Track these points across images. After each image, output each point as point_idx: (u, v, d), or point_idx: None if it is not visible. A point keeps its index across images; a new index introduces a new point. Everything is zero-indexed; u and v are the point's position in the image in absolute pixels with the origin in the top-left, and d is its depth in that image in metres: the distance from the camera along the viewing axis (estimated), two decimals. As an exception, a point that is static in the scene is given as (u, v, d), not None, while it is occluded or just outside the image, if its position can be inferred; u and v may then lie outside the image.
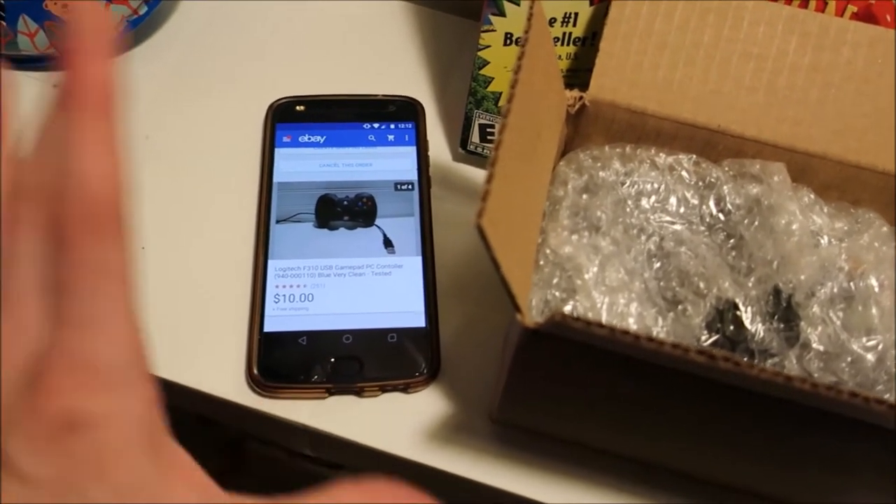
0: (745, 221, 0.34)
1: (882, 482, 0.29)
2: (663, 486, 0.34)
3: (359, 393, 0.36)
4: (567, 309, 0.31)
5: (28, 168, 0.20)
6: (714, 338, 0.31)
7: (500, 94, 0.41)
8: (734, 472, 0.32)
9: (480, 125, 0.43)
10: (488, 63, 0.40)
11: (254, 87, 0.46)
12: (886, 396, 0.30)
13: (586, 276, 0.31)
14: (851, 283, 0.32)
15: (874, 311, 0.31)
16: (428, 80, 0.47)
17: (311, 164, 0.43)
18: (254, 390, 0.36)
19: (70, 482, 0.18)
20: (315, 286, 0.38)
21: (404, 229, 0.40)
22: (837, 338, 0.31)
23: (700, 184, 0.35)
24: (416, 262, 0.39)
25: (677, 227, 0.34)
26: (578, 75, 0.40)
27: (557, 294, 0.32)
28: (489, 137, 0.43)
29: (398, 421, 0.36)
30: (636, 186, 0.34)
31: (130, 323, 0.20)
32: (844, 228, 0.34)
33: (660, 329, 0.31)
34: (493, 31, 0.39)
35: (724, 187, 0.34)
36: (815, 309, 0.31)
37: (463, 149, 0.44)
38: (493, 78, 0.41)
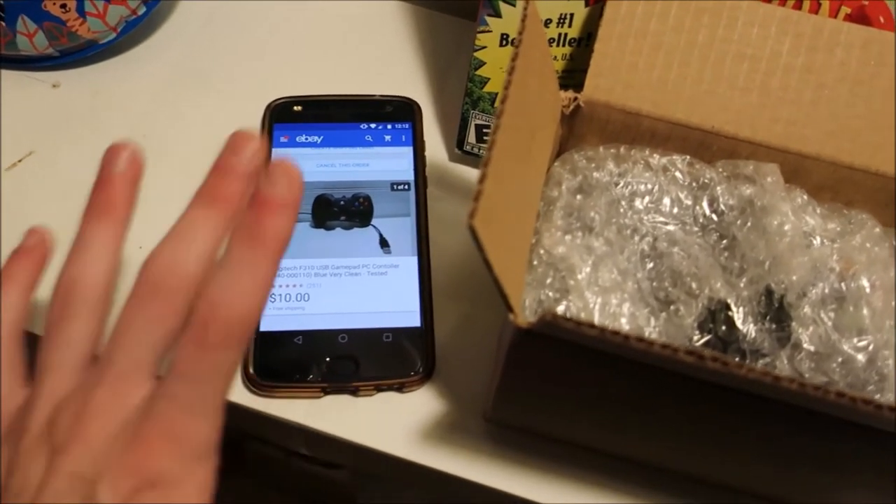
0: (738, 222, 0.34)
1: (873, 481, 0.29)
2: (656, 485, 0.34)
3: (354, 392, 0.36)
4: (560, 309, 0.31)
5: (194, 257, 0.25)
6: (706, 338, 0.32)
7: (497, 94, 0.41)
8: (726, 472, 0.33)
9: (477, 126, 0.43)
10: (484, 64, 0.40)
11: (251, 87, 0.46)
12: (877, 397, 0.30)
13: (579, 277, 0.32)
14: (843, 284, 0.32)
15: (865, 311, 0.31)
16: (425, 81, 0.48)
17: (309, 164, 0.43)
18: (250, 389, 0.36)
19: None
20: (311, 286, 0.39)
21: (400, 229, 0.41)
22: (828, 338, 0.31)
23: (694, 184, 0.35)
24: (412, 262, 0.40)
25: (670, 227, 0.34)
26: (574, 76, 0.40)
27: (551, 294, 0.32)
28: (485, 138, 0.43)
29: (393, 420, 0.36)
30: (630, 187, 0.34)
31: (219, 414, 0.24)
32: (837, 229, 0.34)
33: (652, 329, 0.32)
34: (489, 31, 0.39)
35: (718, 188, 0.34)
36: (807, 309, 0.31)
37: (459, 149, 0.44)
38: (489, 78, 0.41)
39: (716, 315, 0.32)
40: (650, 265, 0.33)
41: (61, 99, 0.45)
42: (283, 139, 0.44)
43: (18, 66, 0.46)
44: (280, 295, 0.38)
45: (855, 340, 0.31)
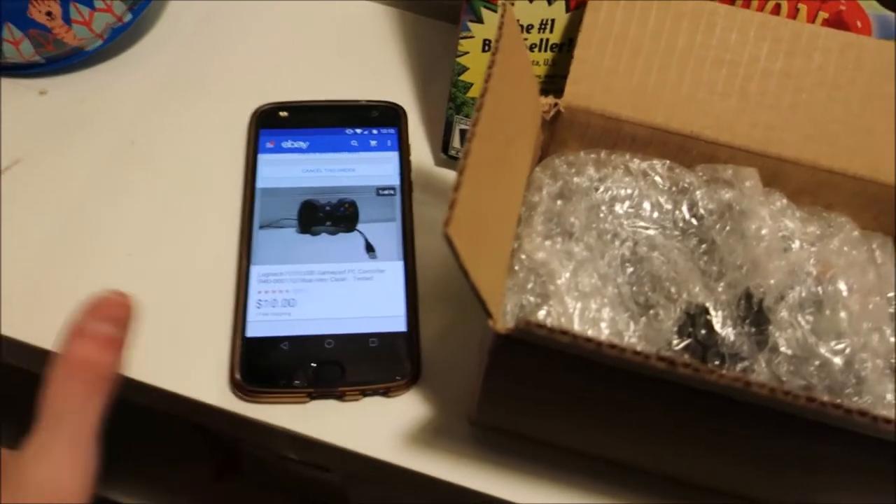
0: (718, 226, 0.34)
1: (850, 482, 0.30)
2: (638, 487, 0.35)
3: (340, 397, 0.36)
4: (541, 314, 0.32)
5: None
6: (685, 342, 0.32)
7: (480, 99, 0.42)
8: (706, 473, 0.33)
9: (461, 130, 0.43)
10: (467, 69, 0.41)
11: (238, 93, 0.46)
12: (855, 399, 0.31)
13: (559, 282, 0.32)
14: (820, 288, 0.32)
15: (842, 314, 0.32)
16: (410, 85, 0.48)
17: (295, 169, 0.43)
18: (236, 395, 0.36)
19: None
20: (297, 291, 0.39)
21: (386, 234, 0.41)
22: (806, 342, 0.31)
23: (673, 189, 0.35)
24: (398, 267, 0.40)
25: (651, 232, 0.34)
26: (556, 81, 0.40)
27: (532, 299, 0.32)
28: (464, 145, 0.43)
29: (379, 425, 0.36)
30: (610, 192, 0.35)
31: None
32: (816, 233, 0.35)
33: (632, 334, 0.32)
34: (471, 37, 0.39)
35: (697, 192, 0.35)
36: (784, 313, 0.32)
37: (445, 153, 0.44)
38: (472, 84, 0.41)
39: (695, 319, 0.32)
40: (630, 270, 0.33)
41: (49, 106, 0.46)
42: (269, 145, 0.44)
43: (5, 73, 0.46)
44: (266, 301, 0.38)
45: (832, 344, 0.31)
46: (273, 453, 0.62)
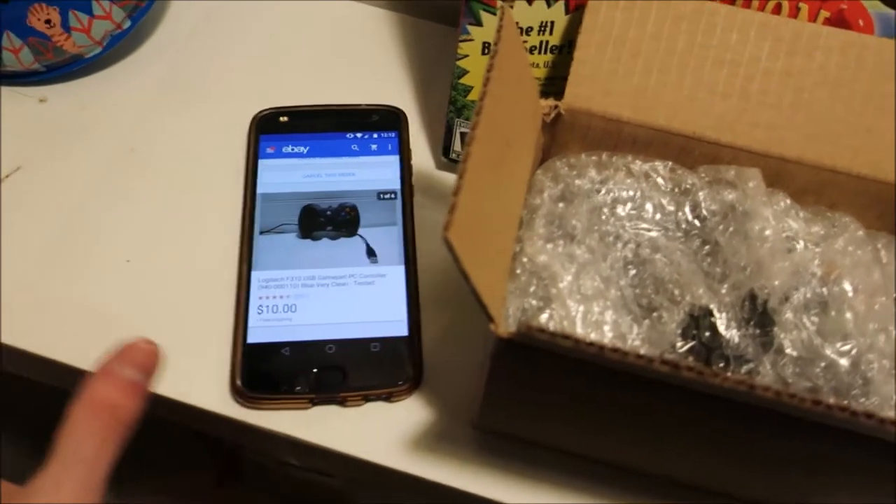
0: (721, 227, 0.34)
1: (858, 484, 0.29)
2: (642, 490, 0.34)
3: (342, 403, 0.36)
4: (543, 318, 0.31)
5: None
6: (689, 344, 0.32)
7: (480, 102, 0.41)
8: (710, 476, 0.33)
9: (462, 133, 0.43)
10: (467, 72, 0.41)
11: (237, 98, 0.46)
12: (861, 401, 0.31)
13: (561, 285, 0.32)
14: (825, 289, 0.32)
15: (848, 315, 0.31)
16: (411, 89, 0.48)
17: (295, 174, 0.43)
18: (237, 401, 0.36)
19: None
20: (298, 297, 0.39)
21: (387, 238, 0.41)
22: (811, 343, 0.31)
23: (676, 190, 0.35)
24: (399, 272, 0.40)
25: (653, 234, 0.34)
26: (556, 83, 0.40)
27: (534, 302, 0.32)
28: (463, 149, 0.43)
29: (381, 430, 0.36)
30: (612, 194, 0.34)
31: None
32: (820, 233, 0.34)
33: (635, 337, 0.32)
34: (470, 40, 0.39)
35: (700, 193, 0.34)
36: (789, 314, 0.31)
37: (445, 157, 0.44)
38: (472, 87, 0.41)
39: (699, 321, 0.32)
40: (633, 272, 0.33)
41: (48, 114, 0.46)
42: (269, 150, 0.44)
43: (5, 81, 0.46)
44: (267, 306, 0.38)
45: (838, 345, 0.31)
46: (274, 459, 0.62)
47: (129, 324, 0.38)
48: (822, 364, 0.31)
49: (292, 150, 0.44)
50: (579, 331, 0.31)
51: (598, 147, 0.37)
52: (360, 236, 0.41)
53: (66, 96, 0.46)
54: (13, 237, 0.41)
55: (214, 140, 0.45)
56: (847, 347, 0.31)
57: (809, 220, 0.35)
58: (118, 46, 0.46)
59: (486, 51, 0.40)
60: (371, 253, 0.40)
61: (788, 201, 0.35)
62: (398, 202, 0.42)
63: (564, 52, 0.39)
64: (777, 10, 0.36)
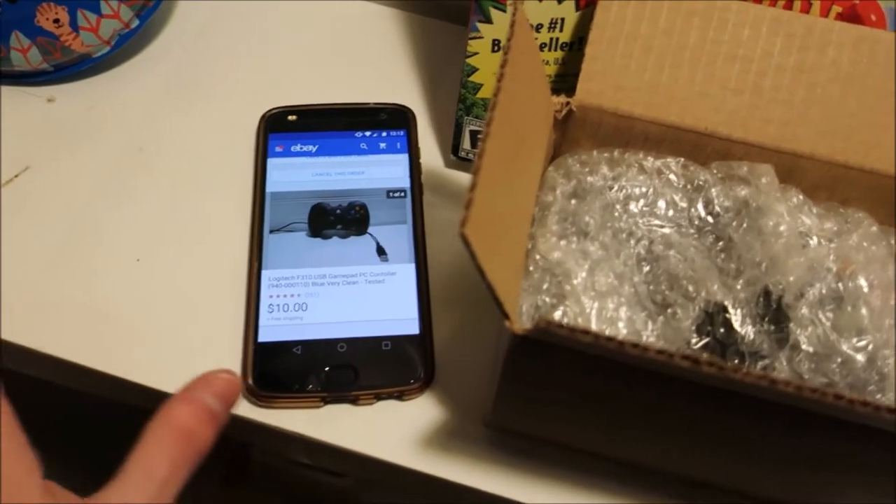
0: (734, 224, 0.34)
1: (875, 481, 0.29)
2: (657, 488, 0.34)
3: (354, 401, 0.36)
4: (557, 314, 0.31)
5: None
6: (704, 341, 0.31)
7: (490, 100, 0.41)
8: (728, 474, 0.33)
9: (471, 132, 0.43)
10: (477, 70, 0.40)
11: (245, 97, 0.46)
12: (878, 396, 0.30)
13: (575, 282, 0.31)
14: (840, 284, 0.32)
15: (864, 311, 0.31)
16: (419, 88, 0.48)
17: (304, 173, 0.43)
18: (249, 400, 0.36)
19: None
20: (309, 295, 0.39)
21: (397, 237, 0.41)
22: (827, 339, 0.31)
23: (688, 187, 0.35)
24: (410, 270, 0.40)
25: (666, 230, 0.34)
26: (567, 80, 0.40)
27: (547, 300, 0.32)
28: (478, 145, 0.43)
29: (393, 428, 0.36)
30: (624, 191, 0.34)
31: None
32: (834, 228, 0.34)
33: (649, 333, 0.31)
34: (480, 38, 0.39)
35: (713, 190, 0.34)
36: (805, 310, 0.31)
37: (454, 155, 0.44)
38: (482, 84, 0.41)
39: (713, 317, 0.32)
40: (646, 269, 0.33)
41: (57, 113, 0.46)
42: (277, 149, 0.44)
43: (13, 81, 0.46)
44: (278, 305, 0.38)
45: (854, 340, 0.31)
46: (283, 459, 0.62)
47: (139, 323, 0.38)
48: (838, 360, 0.31)
49: (301, 148, 0.44)
50: (594, 328, 0.31)
51: (610, 144, 0.36)
52: (370, 235, 0.41)
53: (74, 96, 0.46)
54: (22, 236, 0.41)
55: (223, 139, 0.45)
56: (863, 343, 0.31)
57: (822, 215, 0.35)
58: (126, 46, 0.46)
59: (496, 48, 0.39)
60: (381, 251, 0.40)
61: (801, 197, 0.35)
62: (407, 200, 0.42)
63: (575, 48, 0.39)
64: (789, 5, 0.36)
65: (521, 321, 0.32)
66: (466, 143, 0.43)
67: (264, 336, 0.37)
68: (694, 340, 0.31)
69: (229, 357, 0.37)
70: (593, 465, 0.35)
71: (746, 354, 0.31)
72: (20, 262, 0.40)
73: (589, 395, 0.30)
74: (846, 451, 0.28)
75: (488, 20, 0.39)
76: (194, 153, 0.45)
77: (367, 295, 0.39)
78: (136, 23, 0.45)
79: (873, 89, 0.35)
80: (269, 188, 0.42)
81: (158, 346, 0.38)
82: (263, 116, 0.45)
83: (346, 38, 0.50)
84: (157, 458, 0.27)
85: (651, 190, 0.35)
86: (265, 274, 0.39)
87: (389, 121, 0.45)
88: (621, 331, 0.32)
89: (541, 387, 0.31)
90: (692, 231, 0.34)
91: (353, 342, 0.37)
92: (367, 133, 0.44)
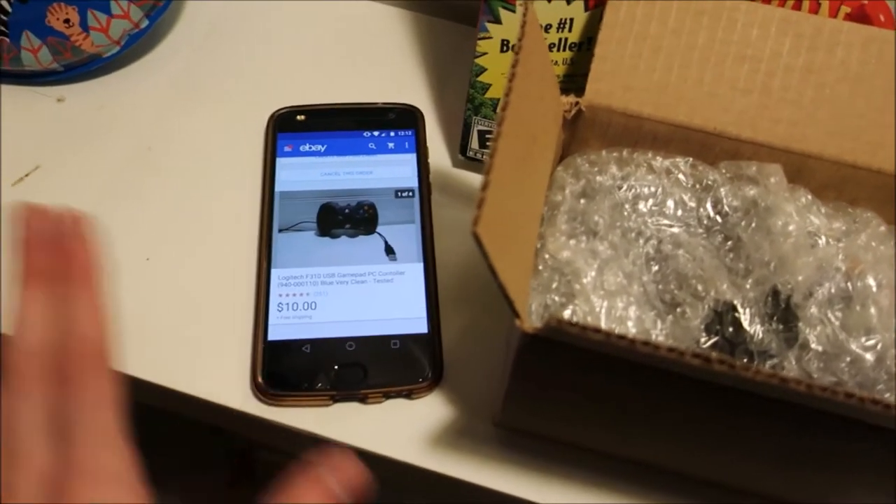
0: (743, 223, 0.34)
1: (882, 481, 0.29)
2: (666, 487, 0.34)
3: (363, 400, 0.36)
4: (566, 313, 0.31)
5: (35, 331, 0.26)
6: (713, 340, 0.32)
7: (498, 100, 0.42)
8: (735, 473, 0.33)
9: (479, 131, 0.43)
10: (485, 70, 0.41)
11: (255, 97, 0.46)
12: (887, 396, 0.30)
13: (584, 281, 0.32)
14: (849, 284, 0.32)
15: (872, 310, 0.31)
16: (427, 87, 0.48)
17: (313, 172, 0.43)
18: (258, 398, 0.36)
19: None
20: (318, 294, 0.39)
21: (405, 236, 0.41)
22: (836, 338, 0.31)
23: (697, 186, 0.35)
24: (418, 269, 0.40)
25: (675, 229, 0.34)
26: (576, 80, 0.40)
27: (557, 299, 0.32)
28: (488, 143, 0.43)
29: (402, 427, 0.36)
30: (633, 190, 0.35)
31: (121, 438, 0.26)
32: (842, 228, 0.34)
33: (658, 332, 0.32)
34: (489, 38, 0.39)
35: (721, 189, 0.34)
36: (814, 309, 0.31)
37: (463, 155, 0.44)
38: (490, 84, 0.41)
39: (722, 317, 0.32)
40: (655, 268, 0.33)
41: (66, 113, 0.46)
42: (286, 148, 0.44)
43: (23, 81, 0.46)
44: (287, 304, 0.38)
45: (863, 340, 0.31)
46: (293, 458, 0.62)
47: (149, 321, 0.38)
48: (847, 359, 0.31)
49: (310, 148, 0.44)
50: (603, 326, 0.31)
51: (619, 144, 0.37)
52: (379, 234, 0.41)
53: (84, 95, 0.46)
54: (33, 236, 0.41)
55: (231, 139, 0.45)
56: (872, 342, 0.31)
57: (831, 215, 0.35)
58: (135, 46, 0.47)
59: (505, 49, 0.40)
60: (390, 250, 0.40)
61: (810, 197, 0.35)
62: (416, 200, 0.42)
63: (584, 49, 0.39)
64: (798, 5, 0.36)
65: (531, 320, 0.32)
66: (475, 143, 0.43)
67: (273, 335, 0.37)
68: (703, 339, 0.32)
69: (238, 355, 0.37)
70: (602, 465, 0.35)
71: (755, 353, 0.31)
72: (31, 261, 0.40)
73: (598, 394, 0.30)
74: (853, 450, 0.28)
75: (497, 20, 0.39)
76: (203, 153, 0.45)
77: (376, 294, 0.39)
78: (145, 23, 0.46)
79: (882, 90, 0.35)
80: (278, 187, 0.42)
81: (168, 345, 0.38)
82: (272, 116, 0.45)
83: (354, 39, 0.50)
84: None
85: (660, 189, 0.35)
86: (274, 273, 0.39)
87: (398, 121, 0.45)
88: (630, 330, 0.32)
89: (550, 386, 0.31)
90: (701, 230, 0.34)
91: (361, 341, 0.37)
92: (376, 133, 0.44)
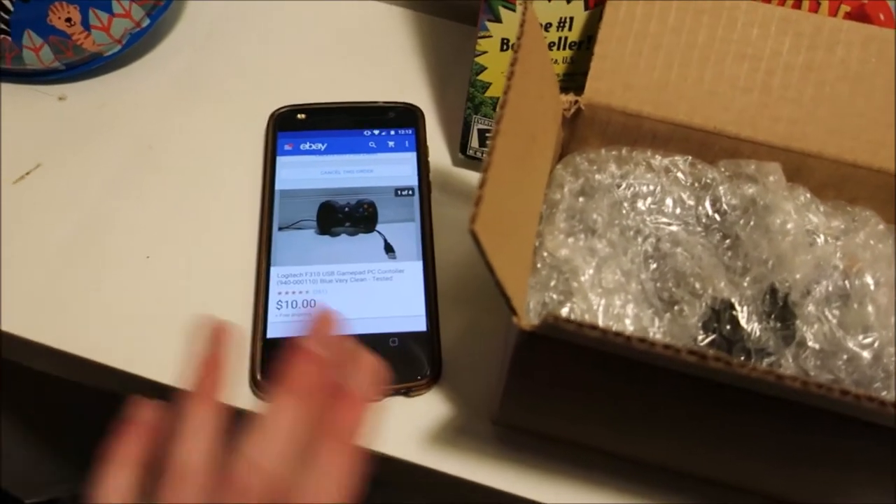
0: (741, 221, 0.34)
1: (880, 479, 0.29)
2: (663, 485, 0.34)
3: (361, 397, 0.36)
4: (564, 311, 0.31)
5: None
6: (711, 337, 0.32)
7: (498, 99, 0.42)
8: (733, 471, 0.33)
9: (479, 130, 0.43)
10: (485, 69, 0.41)
11: (255, 96, 0.46)
12: (883, 394, 0.30)
13: (582, 279, 0.32)
14: (847, 282, 0.32)
15: (870, 308, 0.31)
16: (427, 86, 0.48)
17: (313, 171, 0.43)
18: (257, 395, 0.36)
19: None
20: (317, 292, 0.39)
21: (405, 234, 0.41)
22: (833, 336, 0.31)
23: (696, 185, 0.35)
24: (417, 267, 0.40)
25: (673, 228, 0.34)
26: (575, 79, 0.40)
27: (555, 296, 0.32)
28: (488, 142, 0.43)
29: (401, 424, 0.36)
30: (632, 189, 0.35)
31: None
32: (841, 227, 0.34)
33: (656, 330, 0.32)
34: (489, 37, 0.39)
35: (720, 188, 0.34)
36: (811, 307, 0.31)
37: (462, 154, 0.44)
38: (490, 83, 0.41)
39: (720, 315, 0.32)
40: (653, 266, 0.33)
41: (67, 112, 0.46)
42: (287, 147, 0.44)
43: (25, 79, 0.46)
44: (286, 302, 0.38)
45: (860, 338, 0.31)
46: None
47: (148, 319, 0.39)
48: (845, 357, 0.31)
49: (310, 146, 0.44)
50: (601, 324, 0.31)
51: (618, 142, 0.37)
52: (378, 232, 0.41)
53: (86, 94, 0.47)
54: (33, 233, 0.41)
55: (232, 137, 0.45)
56: (869, 340, 0.31)
57: (830, 214, 0.35)
58: (137, 45, 0.47)
59: (505, 47, 0.40)
60: (389, 249, 0.40)
61: (809, 195, 0.35)
62: (416, 198, 0.42)
63: (583, 48, 0.39)
64: (798, 4, 0.36)
65: (529, 318, 0.32)
66: (475, 142, 0.43)
67: (272, 332, 0.38)
68: (700, 337, 0.32)
69: (237, 352, 0.37)
70: (600, 462, 0.35)
71: (753, 351, 0.31)
72: (31, 258, 0.40)
73: (595, 391, 0.30)
74: (850, 448, 0.28)
75: (498, 19, 0.39)
76: (204, 151, 0.45)
77: (375, 292, 0.39)
78: (146, 22, 0.46)
79: (882, 88, 0.35)
80: (279, 186, 0.42)
81: (167, 342, 0.38)
82: (273, 115, 0.45)
83: (354, 38, 0.50)
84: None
85: (659, 188, 0.35)
86: (274, 271, 0.39)
87: (398, 119, 0.45)
88: (628, 327, 0.32)
89: (547, 383, 0.31)
90: (699, 229, 0.34)
91: (360, 339, 0.37)
92: (376, 131, 0.45)
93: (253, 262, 0.40)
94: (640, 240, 0.34)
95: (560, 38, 0.39)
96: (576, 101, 0.36)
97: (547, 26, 0.39)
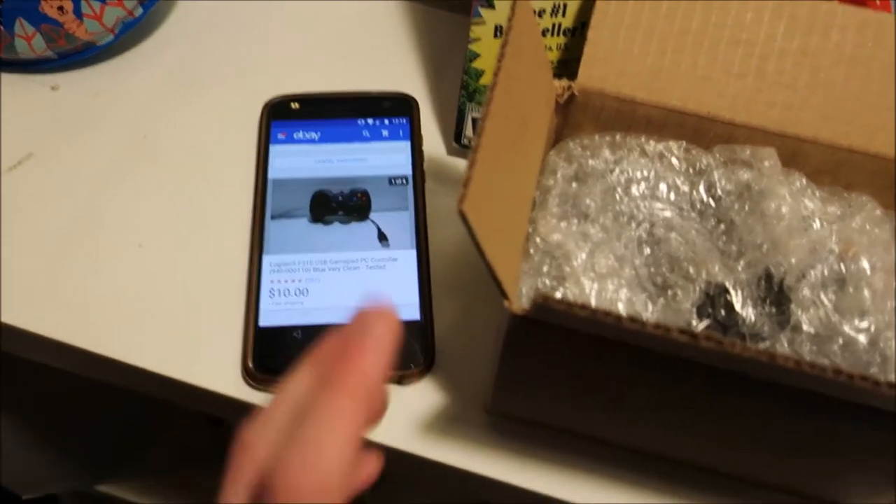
0: (736, 207, 0.33)
1: (878, 464, 0.29)
2: (657, 473, 0.34)
3: (354, 386, 0.36)
4: (556, 296, 0.31)
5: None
6: (705, 322, 0.31)
7: (492, 86, 0.41)
8: (729, 458, 0.32)
9: (474, 119, 0.43)
10: (479, 56, 0.40)
11: (249, 85, 0.46)
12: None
13: (575, 264, 0.31)
14: (842, 266, 0.32)
15: (866, 293, 0.31)
16: (422, 76, 0.48)
17: (306, 160, 0.43)
18: (249, 384, 0.36)
19: None
20: (310, 280, 0.39)
21: (399, 223, 0.41)
22: (829, 320, 0.31)
23: (690, 170, 0.35)
24: (411, 256, 0.40)
25: (668, 213, 0.34)
26: (570, 65, 0.40)
27: (548, 282, 0.32)
28: (478, 125, 0.43)
29: (393, 413, 0.36)
30: (626, 174, 0.34)
31: None
32: (837, 212, 0.34)
33: (650, 314, 0.31)
34: (482, 23, 0.39)
35: (715, 173, 0.34)
36: (806, 292, 0.31)
37: (457, 143, 0.44)
38: (484, 71, 0.41)
39: (714, 299, 0.32)
40: (647, 251, 0.33)
41: (60, 101, 0.46)
42: (280, 136, 0.44)
43: (17, 68, 0.46)
44: (279, 290, 0.38)
45: (856, 322, 0.31)
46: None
47: (142, 308, 0.38)
48: (840, 341, 0.30)
49: (304, 136, 0.44)
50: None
51: (612, 128, 0.36)
52: (372, 221, 0.41)
53: (78, 84, 0.46)
54: (25, 224, 0.41)
55: (226, 127, 0.45)
56: (865, 324, 0.30)
57: (826, 199, 0.35)
58: (130, 34, 0.46)
59: (499, 34, 0.39)
60: (382, 237, 0.40)
61: (804, 181, 0.35)
62: (409, 187, 0.42)
63: (577, 34, 0.39)
64: (792, -12, 0.36)
65: (521, 303, 0.32)
66: (469, 131, 0.43)
67: (265, 321, 0.37)
68: (694, 322, 0.31)
69: (229, 341, 0.37)
70: (593, 450, 0.34)
71: (747, 336, 0.31)
72: (23, 249, 0.40)
73: (587, 377, 0.30)
74: (846, 431, 0.27)
75: (491, 5, 0.38)
76: (197, 141, 0.45)
77: (368, 280, 0.39)
78: (139, 11, 0.46)
79: (877, 73, 0.34)
80: (272, 175, 0.42)
81: (160, 331, 0.38)
82: (266, 104, 0.45)
83: (349, 27, 0.50)
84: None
85: (653, 173, 0.34)
86: (266, 259, 0.39)
87: (392, 108, 0.45)
88: (621, 312, 0.31)
89: (540, 369, 0.30)
90: (694, 214, 0.34)
91: (353, 327, 0.37)
92: (370, 121, 0.44)
93: (246, 251, 0.40)
94: (633, 225, 0.33)
95: (554, 25, 0.39)
96: (569, 87, 0.35)
97: (540, 13, 0.38)
